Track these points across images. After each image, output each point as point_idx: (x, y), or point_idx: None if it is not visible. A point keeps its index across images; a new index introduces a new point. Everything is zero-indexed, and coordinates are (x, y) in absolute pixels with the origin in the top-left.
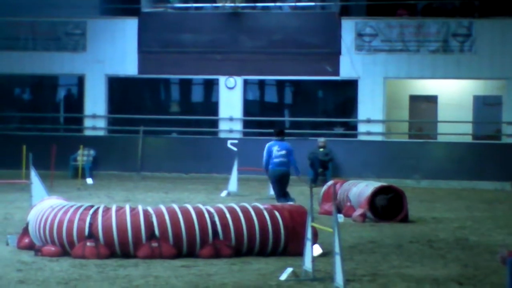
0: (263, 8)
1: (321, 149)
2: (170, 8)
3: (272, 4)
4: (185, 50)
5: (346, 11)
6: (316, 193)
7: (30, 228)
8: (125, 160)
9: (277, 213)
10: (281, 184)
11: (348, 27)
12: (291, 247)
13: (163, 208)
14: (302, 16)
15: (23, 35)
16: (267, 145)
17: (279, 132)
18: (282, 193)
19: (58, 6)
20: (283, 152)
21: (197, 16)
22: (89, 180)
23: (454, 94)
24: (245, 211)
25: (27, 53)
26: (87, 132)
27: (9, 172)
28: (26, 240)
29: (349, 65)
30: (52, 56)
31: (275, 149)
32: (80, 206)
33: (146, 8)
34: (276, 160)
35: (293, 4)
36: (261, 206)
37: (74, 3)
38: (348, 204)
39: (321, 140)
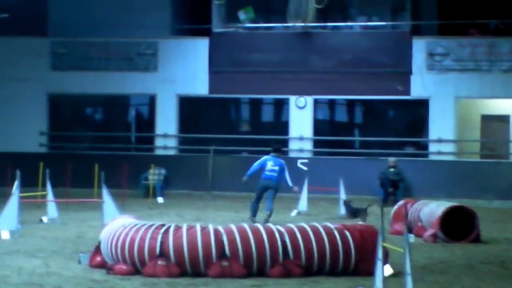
0: (334, 27)
1: (392, 169)
2: (241, 28)
3: (343, 24)
4: (255, 69)
5: (417, 31)
6: (386, 213)
7: (102, 247)
8: (195, 179)
9: (347, 233)
10: (265, 192)
11: (419, 47)
12: (361, 267)
13: (233, 227)
14: (372, 35)
15: (96, 55)
16: (262, 158)
17: (277, 149)
18: (259, 200)
19: (130, 27)
20: (276, 167)
21: (267, 35)
22: (160, 199)
23: None
24: (315, 231)
25: (99, 73)
26: (158, 151)
27: (81, 191)
28: (98, 259)
29: (420, 85)
30: (124, 76)
31: (269, 163)
32: (151, 225)
33: (217, 28)
34: (268, 173)
35: (363, 23)
36: (332, 226)
37: (146, 24)
38: (419, 224)
39: (392, 160)
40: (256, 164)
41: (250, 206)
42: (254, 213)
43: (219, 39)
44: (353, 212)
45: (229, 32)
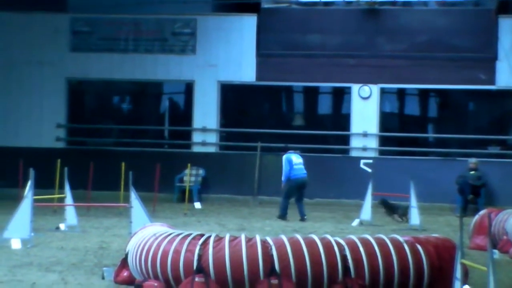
0: (405, 3)
1: (472, 172)
2: (295, 3)
3: None
4: (311, 53)
5: (504, 8)
6: (466, 224)
7: (130, 260)
8: (239, 181)
9: (419, 247)
10: (302, 190)
11: (507, 27)
12: (436, 287)
13: (284, 239)
14: (451, 13)
15: (123, 35)
16: (285, 156)
17: (292, 148)
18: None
19: (164, 2)
20: (301, 160)
21: (326, 13)
22: (197, 205)
23: None
24: (382, 244)
25: (127, 56)
26: (196, 148)
27: (105, 194)
28: (125, 274)
29: (508, 73)
30: (156, 59)
31: (294, 158)
32: (188, 235)
33: (267, 4)
34: (297, 167)
35: None
36: (401, 239)
37: None
38: (505, 237)
39: (472, 161)
40: (285, 164)
41: (281, 205)
42: (285, 212)
43: (269, 16)
44: (391, 208)
45: (281, 8)
